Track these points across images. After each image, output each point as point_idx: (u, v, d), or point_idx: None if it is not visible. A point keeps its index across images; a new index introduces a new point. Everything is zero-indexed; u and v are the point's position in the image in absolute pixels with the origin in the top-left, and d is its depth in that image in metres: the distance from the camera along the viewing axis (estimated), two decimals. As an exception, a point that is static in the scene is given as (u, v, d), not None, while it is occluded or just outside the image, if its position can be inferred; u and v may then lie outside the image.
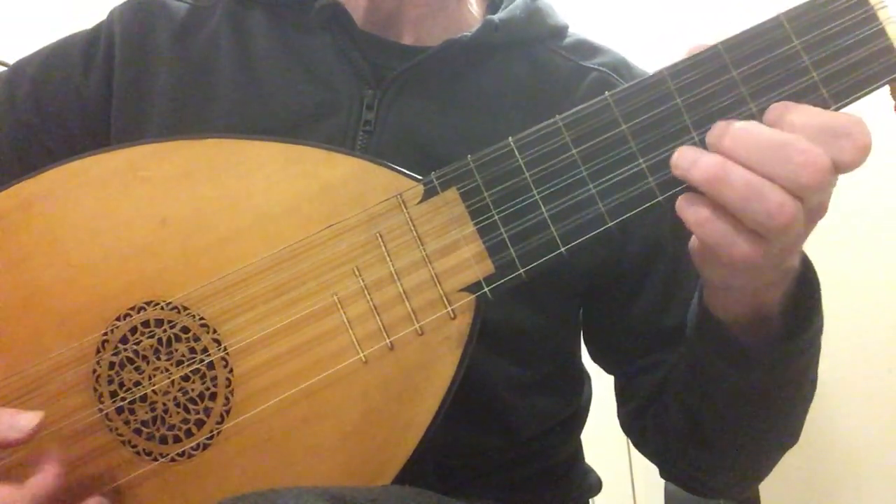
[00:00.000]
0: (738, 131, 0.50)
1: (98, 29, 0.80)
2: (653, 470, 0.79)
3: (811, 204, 0.49)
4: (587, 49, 0.81)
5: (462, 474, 0.74)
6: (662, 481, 0.80)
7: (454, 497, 0.67)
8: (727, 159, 0.50)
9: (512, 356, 0.74)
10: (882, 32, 0.50)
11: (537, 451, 0.79)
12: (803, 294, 0.59)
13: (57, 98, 0.77)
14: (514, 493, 0.77)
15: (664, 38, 1.91)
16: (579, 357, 0.86)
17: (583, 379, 0.86)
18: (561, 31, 0.82)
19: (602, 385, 0.87)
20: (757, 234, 0.50)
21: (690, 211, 0.51)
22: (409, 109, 0.74)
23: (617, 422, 0.83)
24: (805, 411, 0.68)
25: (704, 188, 0.50)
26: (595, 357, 0.86)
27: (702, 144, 0.53)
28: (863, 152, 0.49)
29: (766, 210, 0.48)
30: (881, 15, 0.50)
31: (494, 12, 0.80)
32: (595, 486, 0.85)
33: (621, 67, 0.80)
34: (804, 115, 0.50)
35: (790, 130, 0.50)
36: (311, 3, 0.75)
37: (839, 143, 0.48)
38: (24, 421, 0.56)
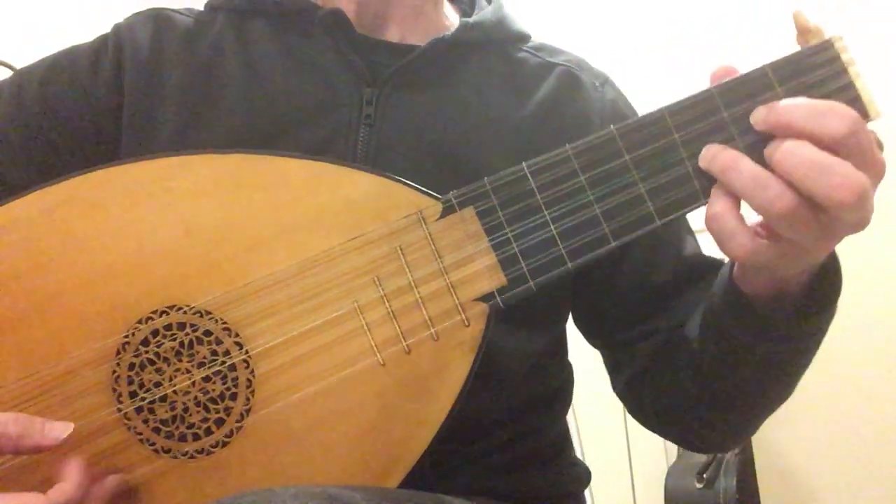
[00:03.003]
0: (787, 148, 0.56)
1: (104, 38, 0.84)
2: (652, 466, 0.85)
3: (848, 219, 0.56)
4: (551, 49, 0.93)
5: (455, 460, 0.79)
6: (662, 477, 0.86)
7: (449, 492, 0.72)
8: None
9: (516, 322, 0.80)
10: (851, 85, 0.59)
11: (524, 429, 0.85)
12: (825, 281, 0.66)
13: (65, 99, 0.80)
14: (507, 477, 0.83)
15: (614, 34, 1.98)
16: (565, 333, 0.92)
17: (565, 357, 0.93)
18: (525, 37, 0.93)
19: (602, 385, 0.93)
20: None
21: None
22: (405, 102, 0.82)
23: (616, 419, 0.88)
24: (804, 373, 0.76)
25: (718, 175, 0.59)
26: (589, 332, 0.93)
27: (695, 174, 0.61)
28: (848, 121, 0.54)
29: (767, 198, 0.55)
30: (851, 71, 0.59)
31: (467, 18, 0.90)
32: (584, 476, 0.92)
33: (582, 64, 0.93)
34: (793, 108, 0.57)
35: (787, 124, 0.57)
36: (311, 12, 0.82)
37: (828, 119, 0.55)
38: (57, 431, 0.60)
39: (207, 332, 0.64)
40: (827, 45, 0.59)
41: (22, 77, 0.82)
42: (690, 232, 0.89)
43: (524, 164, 0.62)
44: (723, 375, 0.73)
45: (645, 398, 0.86)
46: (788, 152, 0.55)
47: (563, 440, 0.92)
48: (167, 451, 0.64)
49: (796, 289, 0.66)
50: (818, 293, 0.66)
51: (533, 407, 0.85)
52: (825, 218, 0.56)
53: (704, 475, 1.48)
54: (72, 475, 0.60)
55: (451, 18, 0.94)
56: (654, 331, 0.84)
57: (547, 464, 0.87)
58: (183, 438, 0.64)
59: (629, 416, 0.89)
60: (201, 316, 0.64)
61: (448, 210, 0.63)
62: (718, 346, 0.72)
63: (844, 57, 0.59)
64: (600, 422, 0.93)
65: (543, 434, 0.88)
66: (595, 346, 0.93)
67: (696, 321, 0.76)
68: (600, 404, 0.93)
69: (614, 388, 0.91)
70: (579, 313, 0.92)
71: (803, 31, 0.60)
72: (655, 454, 1.62)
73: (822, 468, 1.69)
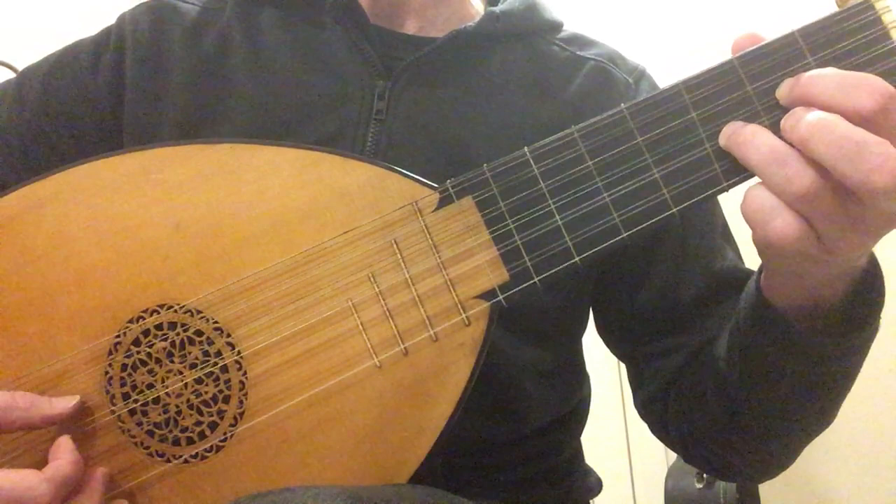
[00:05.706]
0: (815, 123, 0.48)
1: (107, 31, 0.81)
2: (653, 470, 0.81)
3: (882, 209, 0.48)
4: (583, 41, 0.86)
5: (468, 473, 0.76)
6: (662, 481, 0.81)
7: (461, 495, 0.68)
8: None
9: (531, 339, 0.76)
10: (893, 52, 0.52)
11: (541, 449, 0.80)
12: (865, 293, 0.59)
13: (66, 98, 0.77)
14: (519, 492, 0.78)
15: (654, 37, 1.93)
16: (581, 348, 0.87)
17: (584, 372, 0.88)
18: (557, 26, 0.86)
19: (602, 386, 0.88)
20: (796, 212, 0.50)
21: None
22: (418, 98, 0.76)
23: (616, 422, 0.84)
24: (844, 399, 0.67)
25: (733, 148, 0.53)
26: (612, 343, 0.86)
27: (715, 156, 0.54)
28: (880, 96, 0.47)
29: (785, 175, 0.49)
30: (893, 34, 0.51)
31: (493, 6, 0.83)
32: (595, 486, 0.86)
33: (616, 58, 0.85)
34: (818, 79, 0.50)
35: (810, 98, 0.50)
36: (322, 0, 0.77)
37: (857, 93, 0.47)
38: (64, 402, 0.59)
39: (199, 332, 0.61)
40: (866, 6, 0.52)
41: (24, 76, 0.80)
42: (727, 239, 0.81)
43: (525, 148, 0.57)
44: (751, 398, 0.66)
45: (669, 419, 0.79)
46: (816, 127, 0.48)
47: (576, 454, 0.87)
48: (161, 455, 0.61)
49: (833, 301, 0.59)
50: (857, 306, 0.59)
51: (550, 428, 0.80)
52: (854, 207, 0.48)
53: (704, 475, 1.41)
54: (66, 454, 0.57)
55: (476, 5, 0.87)
56: (679, 346, 0.77)
57: (560, 480, 0.83)
58: (177, 442, 0.61)
59: (629, 416, 0.84)
60: (192, 315, 0.61)
61: (445, 200, 0.59)
62: (746, 365, 0.65)
63: (886, 19, 0.52)
64: (600, 421, 0.88)
65: (558, 453, 0.83)
66: (618, 357, 0.87)
67: (724, 338, 0.69)
68: (600, 403, 0.88)
69: (636, 404, 0.84)
70: (602, 323, 0.86)
71: (840, -9, 0.53)
72: (655, 454, 1.57)
73: (823, 468, 1.64)
